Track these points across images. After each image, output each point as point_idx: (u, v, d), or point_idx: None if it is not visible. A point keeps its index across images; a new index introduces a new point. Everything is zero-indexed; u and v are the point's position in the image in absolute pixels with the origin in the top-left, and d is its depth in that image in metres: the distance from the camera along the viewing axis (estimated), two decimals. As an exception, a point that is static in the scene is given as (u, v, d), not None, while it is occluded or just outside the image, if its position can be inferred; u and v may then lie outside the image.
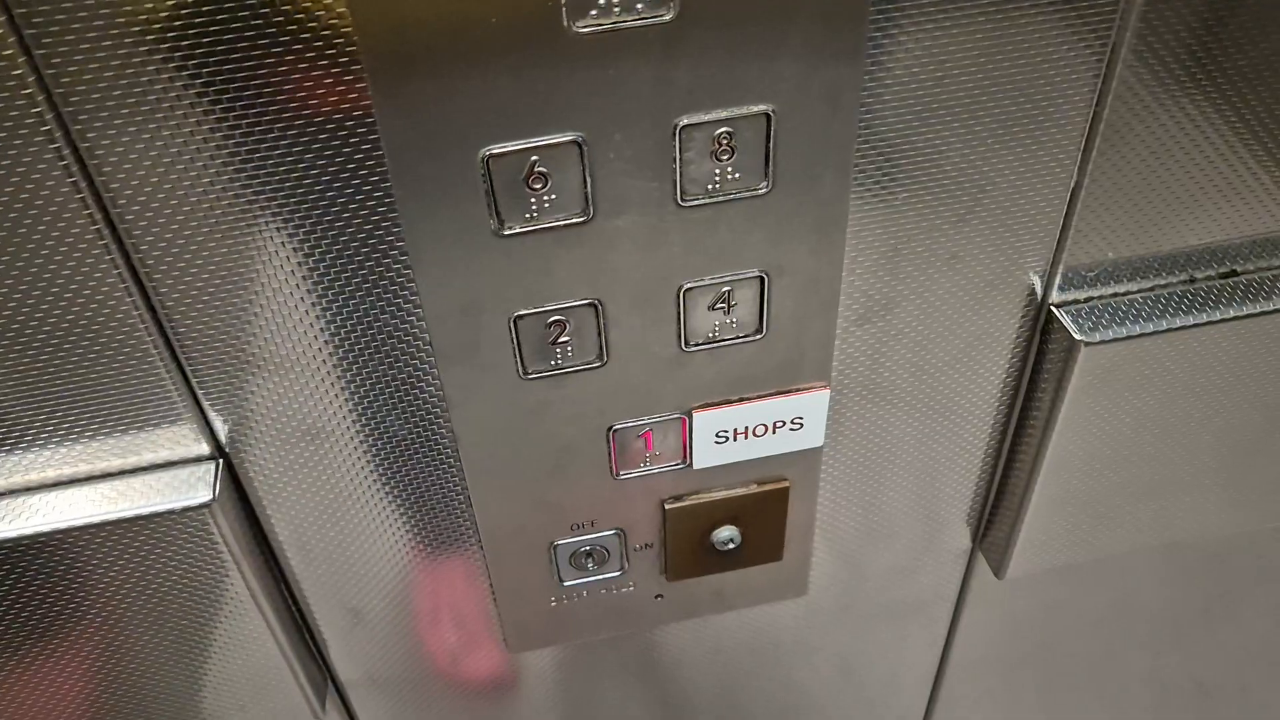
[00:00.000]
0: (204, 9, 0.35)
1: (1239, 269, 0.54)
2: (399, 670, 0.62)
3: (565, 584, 0.58)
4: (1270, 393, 0.57)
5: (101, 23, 0.34)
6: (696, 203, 0.43)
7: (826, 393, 0.52)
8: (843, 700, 0.76)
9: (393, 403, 0.48)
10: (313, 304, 0.44)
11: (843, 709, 0.77)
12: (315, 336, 0.45)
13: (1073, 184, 0.48)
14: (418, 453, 0.51)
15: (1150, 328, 0.52)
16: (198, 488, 0.47)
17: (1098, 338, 0.51)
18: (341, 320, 0.45)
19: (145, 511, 0.47)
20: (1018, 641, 0.76)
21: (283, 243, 0.41)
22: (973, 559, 0.67)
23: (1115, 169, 0.48)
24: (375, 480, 0.51)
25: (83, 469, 0.48)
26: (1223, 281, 0.54)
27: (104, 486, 0.48)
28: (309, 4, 0.35)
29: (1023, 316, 0.53)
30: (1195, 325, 0.52)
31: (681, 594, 0.61)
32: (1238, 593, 0.78)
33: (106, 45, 0.35)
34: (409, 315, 0.45)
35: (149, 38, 0.35)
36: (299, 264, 0.42)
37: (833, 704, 0.77)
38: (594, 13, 0.37)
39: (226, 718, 0.58)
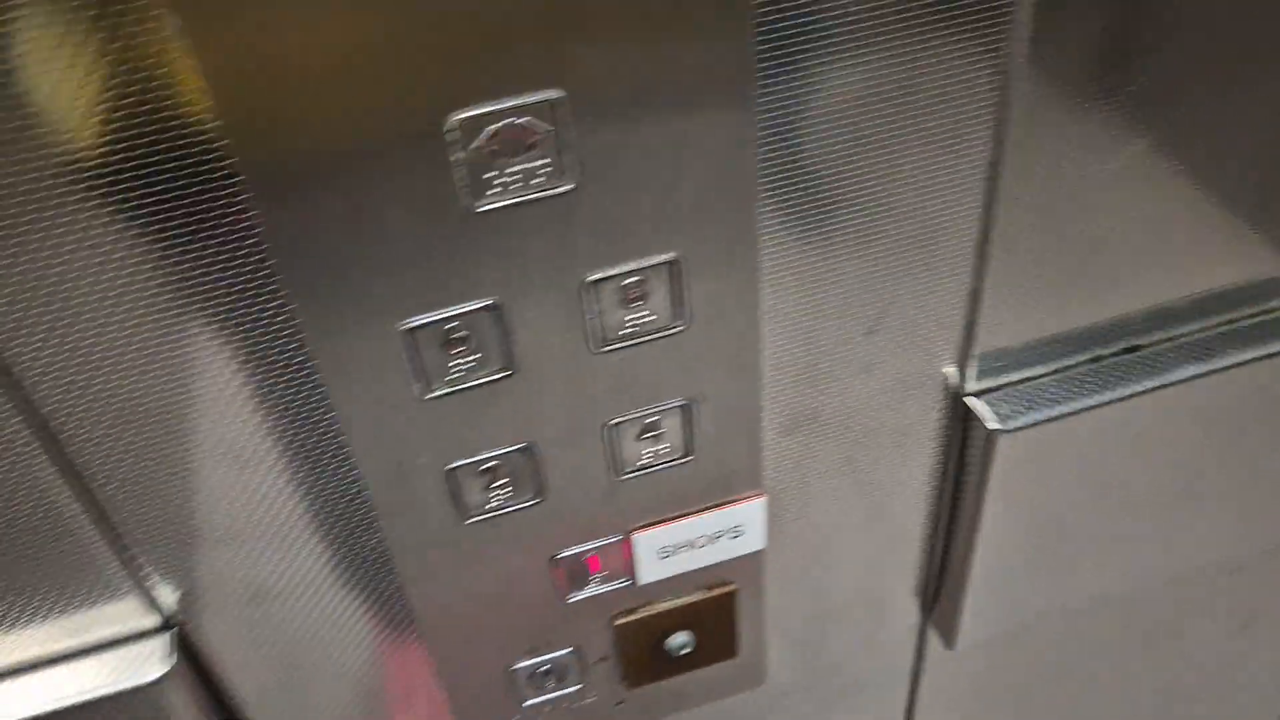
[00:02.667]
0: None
1: (1139, 344, 0.57)
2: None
3: (526, 704, 0.59)
4: (1182, 453, 0.59)
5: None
6: (613, 348, 0.45)
7: (763, 500, 0.54)
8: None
9: (339, 557, 0.49)
10: (250, 474, 0.45)
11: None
12: (256, 504, 0.46)
13: (971, 287, 0.50)
14: (367, 600, 0.51)
15: (1061, 410, 0.54)
16: (150, 663, 0.47)
17: (1012, 425, 0.54)
18: (280, 486, 0.46)
19: (98, 695, 0.47)
20: (978, 703, 0.77)
21: (208, 413, 0.42)
22: (924, 631, 0.69)
23: (1009, 267, 0.50)
24: (328, 631, 0.52)
25: (32, 653, 0.48)
26: (1125, 357, 0.56)
27: (56, 671, 0.48)
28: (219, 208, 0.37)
29: (941, 410, 0.55)
30: (1101, 405, 0.54)
31: (643, 698, 0.62)
32: (1174, 634, 0.80)
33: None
34: (346, 476, 0.46)
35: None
36: (232, 436, 0.43)
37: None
38: (493, 192, 0.39)
39: None
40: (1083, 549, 0.62)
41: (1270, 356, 0.56)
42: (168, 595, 0.48)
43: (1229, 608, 0.82)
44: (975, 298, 0.51)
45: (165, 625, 0.49)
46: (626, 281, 0.43)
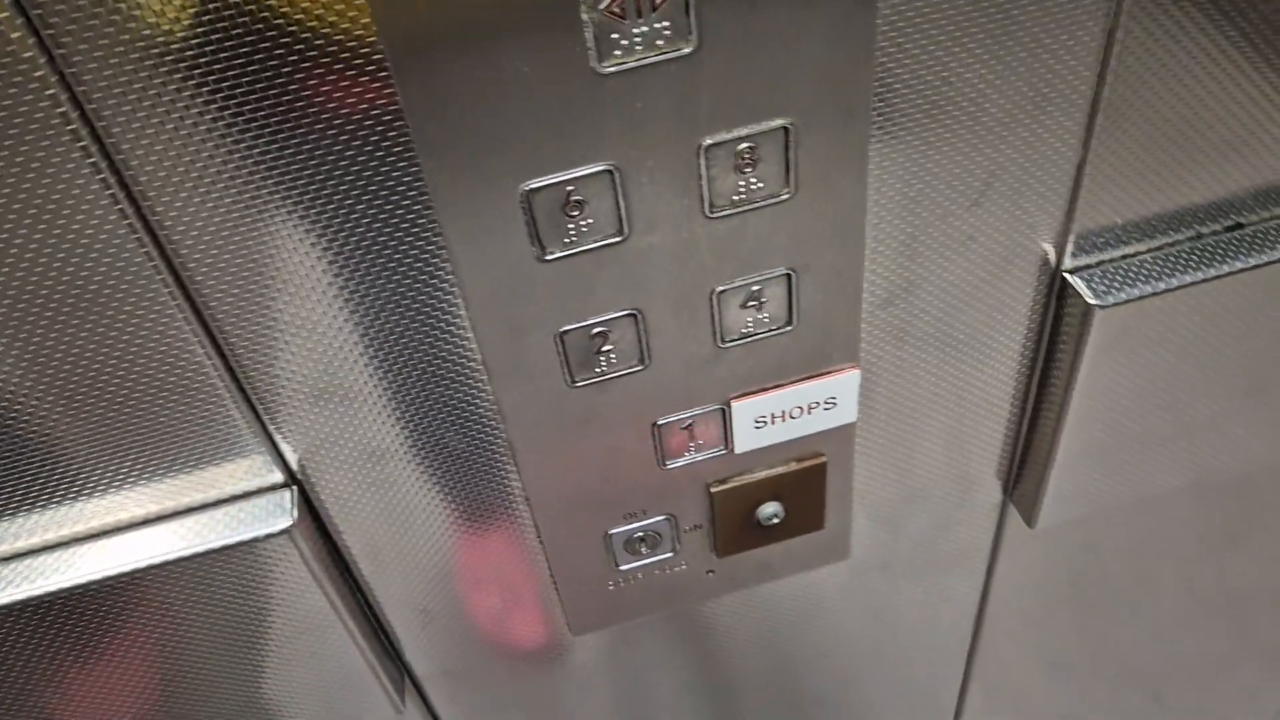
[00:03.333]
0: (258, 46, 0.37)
1: (1243, 221, 0.56)
2: (470, 661, 0.66)
3: (621, 568, 0.61)
4: (1278, 336, 0.59)
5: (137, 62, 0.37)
6: (723, 214, 0.46)
7: (857, 373, 0.55)
8: (887, 649, 0.80)
9: (450, 420, 0.51)
10: (369, 335, 0.47)
11: (887, 657, 0.81)
12: (374, 365, 0.48)
13: (1078, 160, 0.50)
14: (476, 464, 0.54)
15: (1160, 287, 0.54)
16: (277, 515, 0.50)
17: (1110, 300, 0.54)
18: (397, 347, 0.48)
19: (230, 542, 0.50)
20: (1053, 584, 0.79)
21: (336, 279, 0.44)
22: (1005, 511, 0.70)
23: (1116, 140, 0.50)
24: (438, 493, 0.54)
25: (167, 505, 0.51)
26: (1228, 235, 0.56)
27: (188, 521, 0.51)
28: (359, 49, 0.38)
29: (1038, 286, 0.55)
30: (1203, 280, 0.54)
31: (731, 568, 0.65)
32: (1262, 517, 0.81)
33: (143, 75, 0.38)
34: (461, 339, 0.48)
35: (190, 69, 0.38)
36: (353, 299, 0.45)
37: (877, 652, 0.80)
38: (618, 53, 0.39)
39: (313, 718, 0.62)
40: (1172, 433, 0.63)
41: (1376, 235, 0.56)
42: (291, 453, 0.50)
43: (1307, 499, 0.82)
44: (1080, 170, 0.51)
45: (289, 481, 0.51)
46: (741, 147, 0.44)
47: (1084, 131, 0.49)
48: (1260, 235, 0.56)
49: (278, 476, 0.51)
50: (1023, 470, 0.66)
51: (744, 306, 0.50)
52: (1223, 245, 0.56)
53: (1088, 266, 0.55)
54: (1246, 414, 0.64)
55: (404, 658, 0.64)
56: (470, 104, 0.39)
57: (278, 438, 0.50)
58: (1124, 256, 0.56)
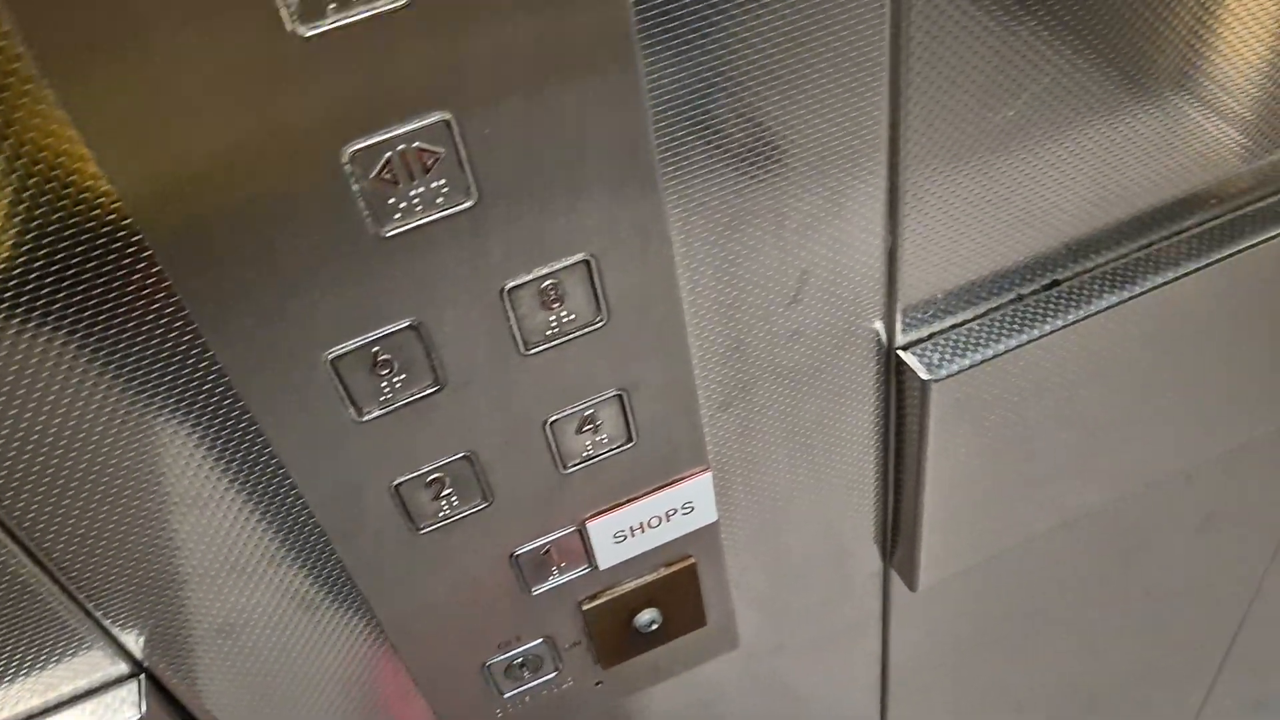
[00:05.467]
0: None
1: (1060, 278, 0.58)
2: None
3: (506, 696, 0.60)
4: (1111, 381, 0.61)
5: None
6: (540, 349, 0.45)
7: (708, 475, 0.55)
8: (800, 724, 0.80)
9: (300, 583, 0.50)
10: (200, 514, 0.45)
11: (802, 732, 0.81)
12: (211, 543, 0.47)
13: (888, 246, 0.51)
14: (334, 618, 0.52)
15: (989, 353, 0.56)
16: (122, 711, 0.48)
17: (943, 373, 0.55)
18: (233, 523, 0.46)
19: (77, 746, 0.48)
20: (952, 639, 0.80)
21: (156, 465, 0.43)
22: (888, 576, 0.70)
23: (921, 222, 0.51)
24: (299, 656, 0.53)
25: (4, 715, 0.49)
26: (1046, 294, 0.58)
27: (33, 727, 0.49)
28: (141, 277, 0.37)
29: (875, 364, 0.56)
30: (1028, 342, 0.56)
31: (621, 675, 0.64)
32: (1134, 546, 0.83)
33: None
34: (295, 504, 0.47)
35: None
36: (179, 483, 0.44)
37: (792, 729, 0.80)
38: (398, 216, 0.39)
39: None
40: (1029, 483, 0.64)
41: (1183, 277, 0.58)
42: (134, 641, 0.49)
43: (1184, 513, 0.84)
44: (893, 254, 0.52)
45: (135, 671, 0.50)
46: (544, 285, 0.44)
47: (888, 217, 0.50)
48: (1076, 290, 0.58)
49: (123, 668, 0.49)
50: (896, 538, 0.67)
51: (580, 431, 0.50)
52: (1043, 304, 0.57)
53: (919, 341, 0.56)
54: (1098, 451, 0.66)
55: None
56: (254, 283, 0.39)
57: (114, 630, 0.48)
58: (953, 326, 0.57)
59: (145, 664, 0.49)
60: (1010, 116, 0.50)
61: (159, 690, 0.50)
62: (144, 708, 0.48)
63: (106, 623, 0.47)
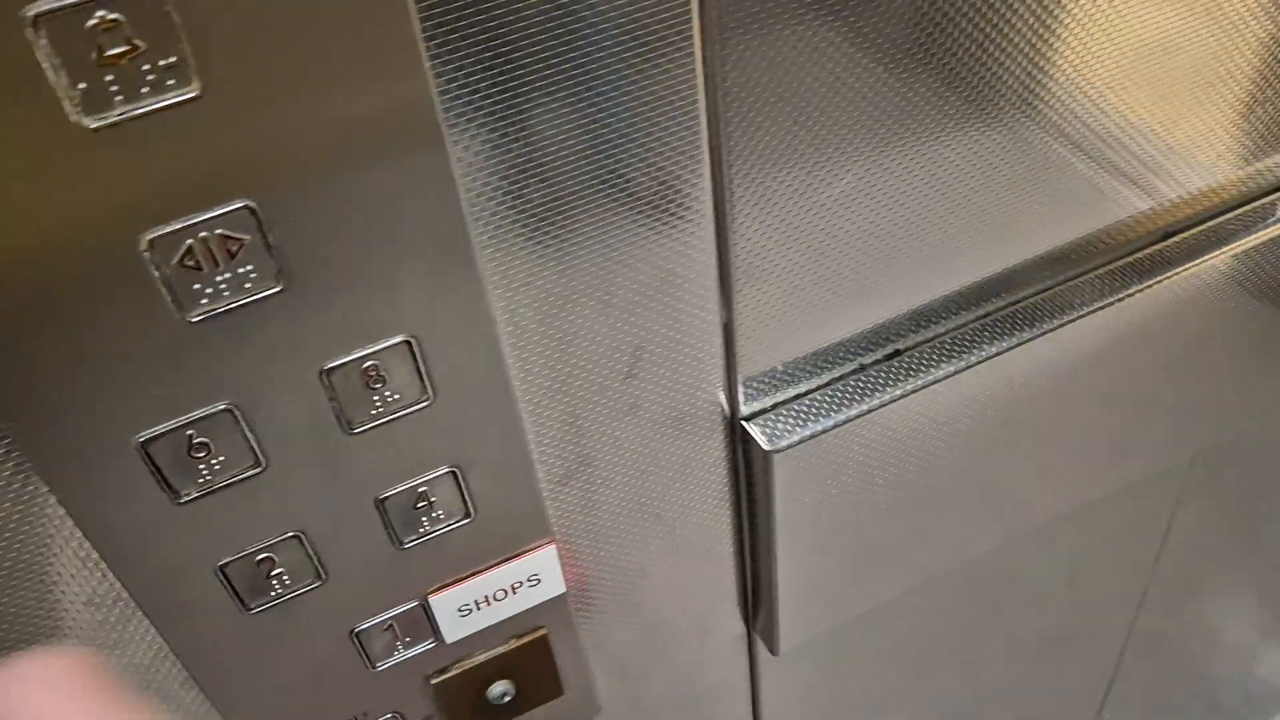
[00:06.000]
0: None
1: (901, 347, 0.60)
2: None
3: (357, 775, 0.59)
4: (955, 447, 0.63)
5: None
6: (365, 428, 0.45)
7: (553, 548, 0.55)
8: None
9: (124, 668, 0.49)
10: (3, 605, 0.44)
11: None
12: (19, 635, 0.45)
13: (724, 319, 0.52)
14: (166, 707, 0.51)
15: (831, 422, 0.57)
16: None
17: (785, 443, 0.56)
18: (49, 611, 0.45)
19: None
20: (824, 699, 0.80)
21: (-39, 558, 0.42)
22: (752, 640, 0.71)
23: (758, 292, 0.52)
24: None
25: None
26: (888, 363, 0.59)
27: None
28: (-90, 361, 0.36)
29: (719, 435, 0.57)
30: (868, 411, 0.57)
31: (478, 749, 0.63)
32: (1001, 599, 0.85)
33: None
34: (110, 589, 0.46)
35: None
36: (-14, 570, 0.43)
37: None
38: (205, 301, 0.39)
39: None
40: (881, 547, 0.65)
41: (1019, 346, 0.60)
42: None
43: (1050, 567, 0.86)
44: (729, 329, 0.53)
45: (-51, 761, 0.48)
46: (365, 366, 0.44)
47: (720, 293, 0.51)
48: (917, 359, 0.59)
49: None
50: (757, 602, 0.67)
51: (415, 508, 0.50)
52: (884, 373, 0.59)
53: (763, 411, 0.57)
54: (949, 515, 0.67)
55: None
56: (57, 368, 0.38)
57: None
58: (796, 396, 0.58)
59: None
60: (841, 190, 0.51)
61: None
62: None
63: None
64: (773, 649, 0.68)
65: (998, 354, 0.60)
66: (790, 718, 0.79)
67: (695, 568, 0.63)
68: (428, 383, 0.45)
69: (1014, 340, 0.60)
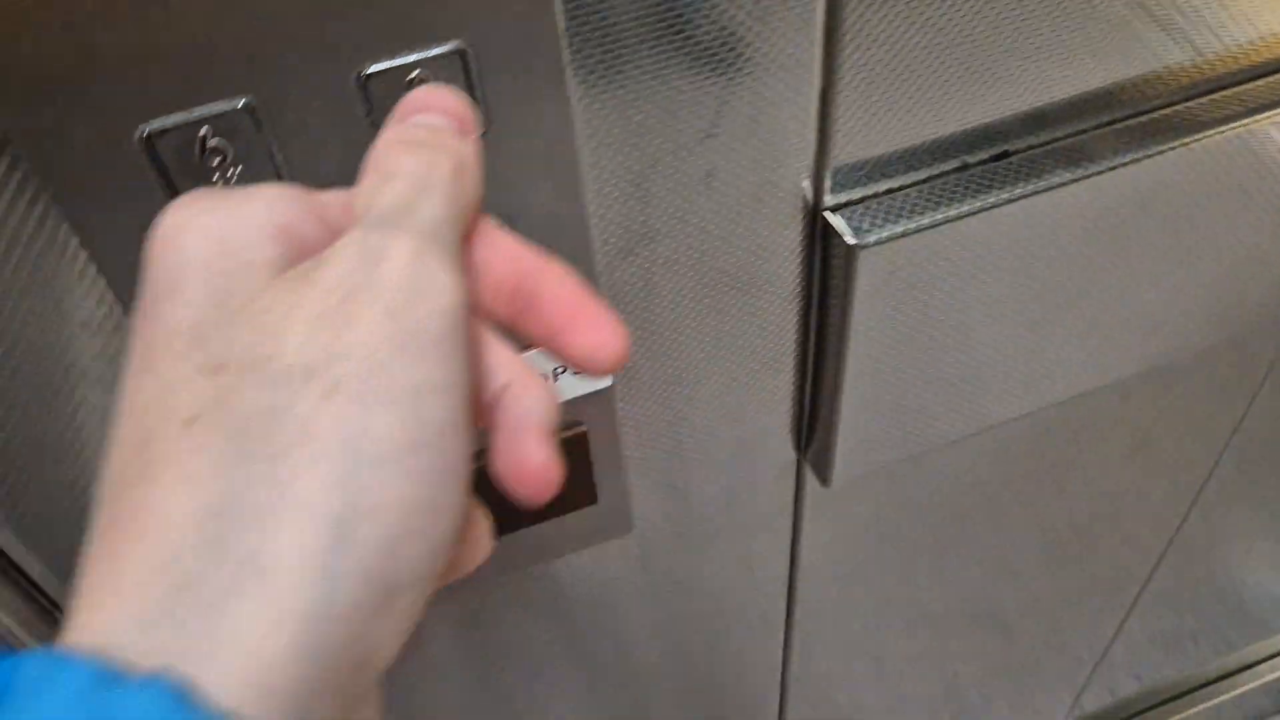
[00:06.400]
0: None
1: (1011, 149, 0.53)
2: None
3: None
4: (1059, 266, 0.56)
5: None
6: (405, 156, 0.39)
7: (603, 332, 0.49)
8: (699, 619, 0.76)
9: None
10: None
11: (700, 627, 0.77)
12: (12, 355, 0.40)
13: (820, 84, 0.45)
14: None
15: (926, 221, 0.50)
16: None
17: (872, 239, 0.49)
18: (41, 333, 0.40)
19: None
20: (866, 538, 0.76)
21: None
22: (801, 469, 0.66)
23: (866, 60, 0.45)
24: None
25: None
26: (995, 165, 0.52)
27: None
28: None
29: (799, 224, 0.51)
30: (969, 214, 0.50)
31: (504, 548, 0.59)
32: (1061, 466, 0.79)
33: None
34: (108, 317, 0.41)
35: None
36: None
37: (688, 624, 0.76)
38: (229, -38, 0.33)
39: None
40: (957, 377, 0.59)
41: (1147, 158, 0.52)
42: (-72, 459, 0.43)
43: (1117, 435, 0.80)
44: (827, 98, 0.46)
45: (-70, 492, 0.44)
46: (409, 76, 0.37)
47: (824, 52, 0.44)
48: (1028, 164, 0.52)
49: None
50: (813, 428, 0.62)
51: (454, 263, 0.44)
52: (990, 174, 0.52)
53: (850, 203, 0.51)
54: (1038, 345, 0.61)
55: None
56: (62, 47, 0.32)
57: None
58: (888, 191, 0.51)
59: (-58, 487, 0.44)
60: (972, -56, 0.43)
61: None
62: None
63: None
64: (824, 479, 0.63)
65: (1119, 166, 0.52)
66: (828, 559, 0.75)
67: (753, 378, 0.57)
68: (483, 107, 0.39)
69: (1140, 153, 0.53)
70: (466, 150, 0.27)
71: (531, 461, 0.26)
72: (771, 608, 0.78)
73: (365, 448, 0.21)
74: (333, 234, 0.25)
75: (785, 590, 0.76)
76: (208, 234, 0.23)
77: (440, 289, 0.23)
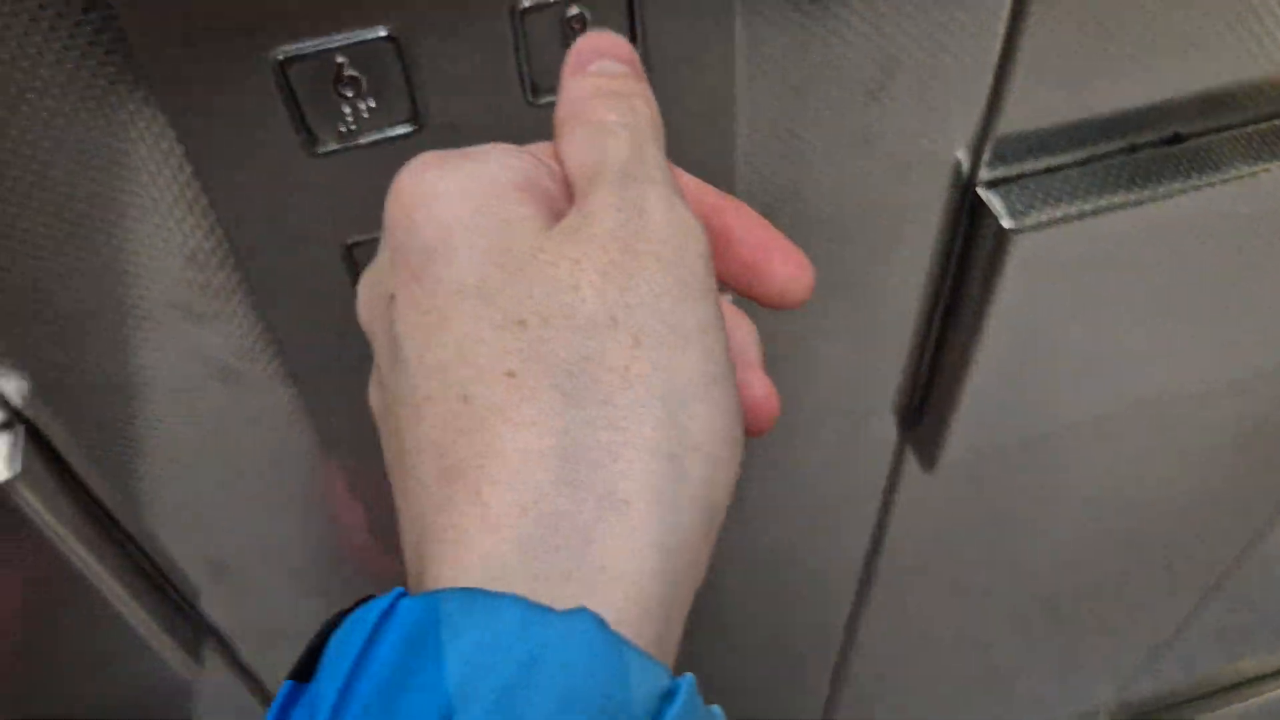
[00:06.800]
0: None
1: (1183, 132, 0.48)
2: (279, 616, 0.57)
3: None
4: (1215, 262, 0.52)
5: None
6: (550, 99, 0.35)
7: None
8: (771, 589, 0.73)
9: (215, 343, 0.41)
10: (95, 249, 0.36)
11: (772, 597, 0.75)
12: (104, 283, 0.37)
13: (999, 49, 0.41)
14: (256, 395, 0.44)
15: (1087, 207, 0.46)
16: (-3, 462, 0.40)
17: (1030, 222, 0.45)
18: (134, 262, 0.37)
19: (-66, 495, 0.40)
20: (951, 520, 0.72)
21: (52, 183, 0.34)
22: (902, 449, 0.62)
23: (1046, 29, 0.41)
24: (211, 426, 0.45)
25: None
26: (1166, 149, 0.48)
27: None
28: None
29: (948, 199, 0.47)
30: (1135, 202, 0.46)
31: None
32: (1162, 453, 0.75)
33: None
34: (217, 248, 0.38)
35: None
36: (72, 204, 0.34)
37: (762, 592, 0.74)
38: None
39: (93, 689, 0.53)
40: (1090, 366, 0.56)
41: (1337, 154, 0.48)
42: (12, 386, 0.40)
43: (1225, 426, 0.76)
44: (1005, 64, 0.42)
45: (12, 421, 0.41)
46: (569, 14, 0.33)
47: (1010, 15, 0.40)
48: (1202, 150, 0.48)
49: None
50: (924, 407, 0.58)
51: (586, 217, 0.40)
52: (1160, 159, 0.47)
53: (1005, 180, 0.47)
54: (1170, 344, 0.57)
55: (203, 616, 0.55)
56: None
57: (-7, 368, 0.39)
58: (1047, 169, 0.47)
59: (26, 415, 0.41)
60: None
61: (40, 445, 0.42)
62: (21, 459, 0.40)
63: (-20, 360, 0.39)
64: (931, 460, 0.59)
65: (1299, 161, 0.48)
66: (911, 540, 0.72)
67: (872, 353, 0.54)
68: (642, 46, 0.35)
69: (1325, 147, 0.48)
70: (650, 94, 0.27)
71: (754, 393, 0.27)
72: (845, 581, 0.75)
73: (679, 388, 0.22)
74: (560, 185, 0.26)
75: (862, 569, 0.74)
76: (463, 197, 0.24)
77: (696, 233, 0.24)
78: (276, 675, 0.61)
